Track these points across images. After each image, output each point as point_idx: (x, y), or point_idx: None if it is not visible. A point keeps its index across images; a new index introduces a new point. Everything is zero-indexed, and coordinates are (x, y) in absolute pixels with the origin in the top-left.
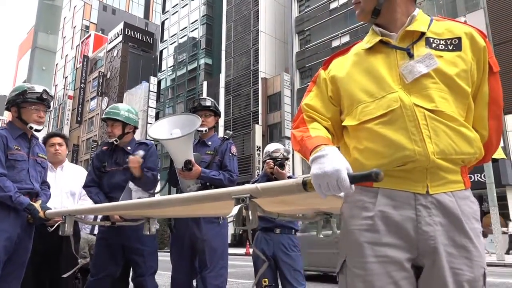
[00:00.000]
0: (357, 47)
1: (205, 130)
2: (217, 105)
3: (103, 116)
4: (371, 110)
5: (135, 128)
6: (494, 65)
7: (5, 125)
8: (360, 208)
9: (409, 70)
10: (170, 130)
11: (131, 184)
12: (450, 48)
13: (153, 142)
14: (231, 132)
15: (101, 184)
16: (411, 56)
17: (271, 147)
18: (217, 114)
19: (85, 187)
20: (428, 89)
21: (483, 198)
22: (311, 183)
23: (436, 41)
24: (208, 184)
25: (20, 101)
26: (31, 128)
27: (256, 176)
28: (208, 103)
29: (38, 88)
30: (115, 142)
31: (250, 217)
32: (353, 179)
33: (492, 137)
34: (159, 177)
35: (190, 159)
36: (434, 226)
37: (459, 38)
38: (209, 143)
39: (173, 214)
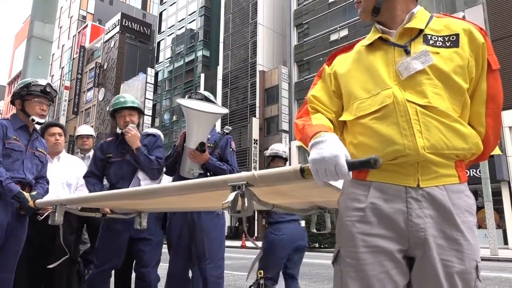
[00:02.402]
0: (359, 45)
1: None
2: (211, 99)
3: (119, 106)
4: (366, 106)
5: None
6: (494, 62)
7: (9, 117)
8: (352, 200)
9: (405, 67)
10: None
11: (139, 174)
12: (448, 44)
13: (160, 133)
14: (230, 128)
15: (108, 174)
16: (408, 53)
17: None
18: None
19: (84, 177)
20: (422, 85)
21: (478, 193)
22: (309, 169)
23: (434, 38)
24: (208, 174)
25: (24, 93)
26: (33, 120)
27: (252, 169)
28: (199, 97)
29: (42, 81)
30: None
31: (246, 205)
32: (352, 165)
33: (489, 134)
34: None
35: (205, 141)
36: (425, 218)
37: (457, 35)
38: (209, 136)
39: (166, 207)
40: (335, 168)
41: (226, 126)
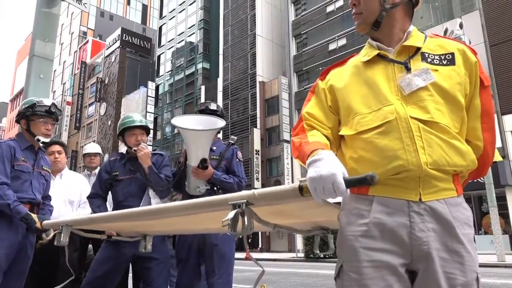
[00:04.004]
0: (354, 60)
1: None
2: (223, 110)
3: (132, 125)
4: (368, 121)
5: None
6: (485, 79)
7: (14, 136)
8: (356, 215)
9: (407, 83)
10: (193, 127)
11: (150, 192)
12: (445, 62)
13: (164, 153)
14: (235, 137)
15: (115, 192)
16: (408, 69)
17: None
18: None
19: (88, 197)
20: (424, 101)
21: (483, 199)
22: (307, 187)
23: (431, 56)
24: (215, 188)
25: (29, 114)
26: (38, 140)
27: (254, 180)
28: (214, 107)
29: (47, 102)
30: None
31: (246, 223)
32: (349, 183)
33: (488, 149)
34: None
35: (206, 158)
36: (427, 232)
37: (452, 54)
38: (214, 148)
39: (171, 229)
40: (332, 186)
41: (231, 136)
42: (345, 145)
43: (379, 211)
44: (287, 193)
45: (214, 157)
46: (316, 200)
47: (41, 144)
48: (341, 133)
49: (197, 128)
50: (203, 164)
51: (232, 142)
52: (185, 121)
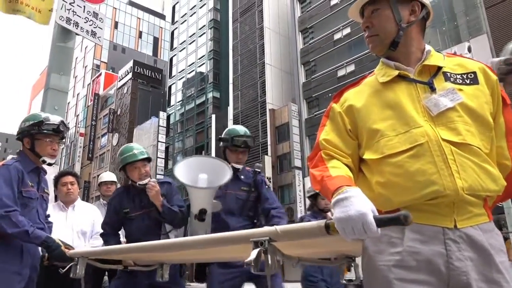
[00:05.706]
0: (370, 80)
1: (240, 169)
2: (252, 140)
3: (133, 159)
4: (395, 144)
5: None
6: (506, 97)
7: (17, 156)
8: (386, 243)
9: (434, 103)
10: (197, 171)
11: (166, 227)
12: (468, 82)
13: (173, 180)
14: (261, 165)
15: (129, 231)
16: (433, 90)
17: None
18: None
19: (102, 235)
20: (455, 122)
21: (502, 223)
22: (334, 225)
23: (453, 76)
24: (255, 221)
25: (34, 132)
26: (43, 161)
27: None
28: (247, 142)
29: (55, 119)
30: (140, 184)
31: (269, 262)
32: (380, 222)
33: None
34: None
35: (206, 208)
36: (465, 261)
37: (474, 73)
38: (242, 177)
39: (189, 258)
40: (363, 226)
41: (257, 164)
42: (368, 170)
43: (413, 239)
44: (313, 230)
45: (244, 188)
46: (345, 239)
47: (47, 166)
48: (364, 157)
49: (199, 185)
50: (200, 215)
51: (259, 170)
52: (188, 167)
